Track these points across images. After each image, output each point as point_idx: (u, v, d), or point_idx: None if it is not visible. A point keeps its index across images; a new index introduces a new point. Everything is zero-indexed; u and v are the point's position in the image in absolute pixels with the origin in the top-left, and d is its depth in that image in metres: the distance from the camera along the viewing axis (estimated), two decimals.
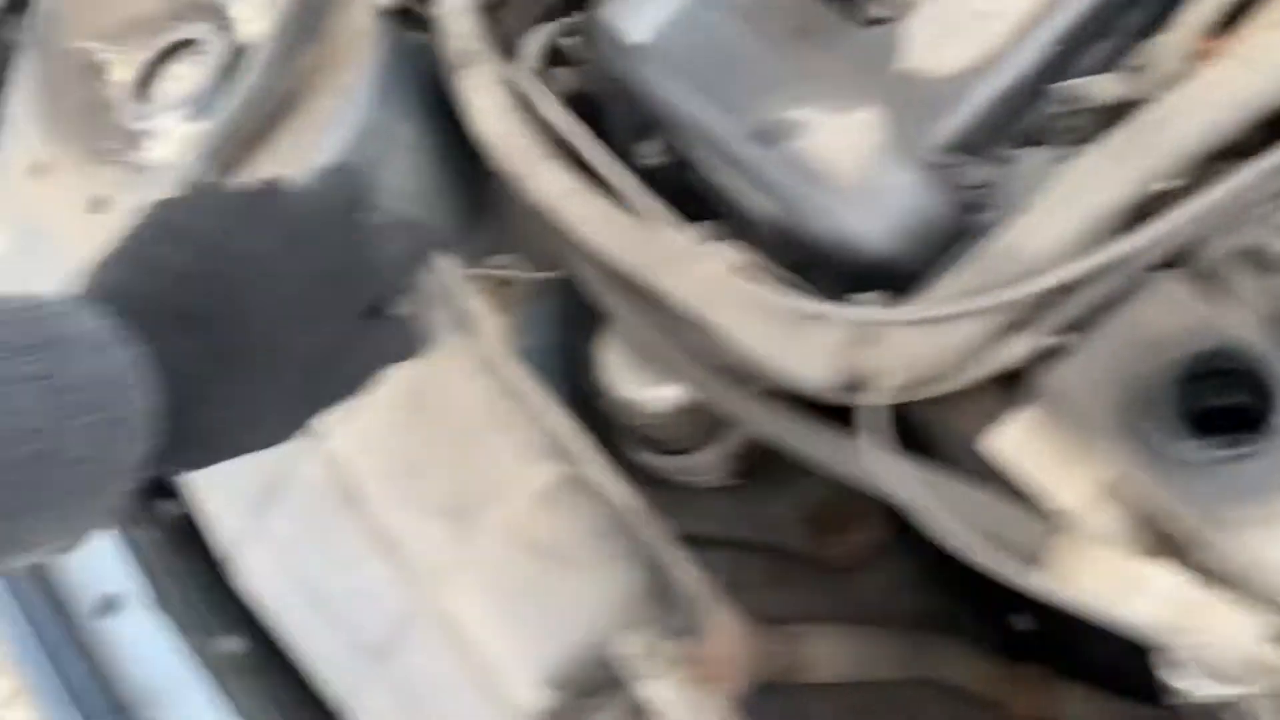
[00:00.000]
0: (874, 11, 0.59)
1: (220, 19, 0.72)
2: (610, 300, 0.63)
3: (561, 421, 0.59)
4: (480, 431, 0.58)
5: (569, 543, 0.54)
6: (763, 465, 0.73)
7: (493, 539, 0.55)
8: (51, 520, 0.39)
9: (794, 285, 0.55)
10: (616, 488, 0.58)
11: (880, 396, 0.50)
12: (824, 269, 0.57)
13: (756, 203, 0.59)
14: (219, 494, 0.63)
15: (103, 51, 0.72)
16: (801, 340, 0.51)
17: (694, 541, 0.71)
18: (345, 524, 0.59)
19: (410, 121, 0.71)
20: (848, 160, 0.54)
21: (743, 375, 0.59)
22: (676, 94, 0.60)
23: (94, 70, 0.72)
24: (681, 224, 0.58)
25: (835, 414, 0.56)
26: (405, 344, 0.53)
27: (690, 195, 0.68)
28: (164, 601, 0.63)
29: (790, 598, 0.75)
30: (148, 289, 0.44)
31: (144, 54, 0.71)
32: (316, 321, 0.49)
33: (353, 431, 0.60)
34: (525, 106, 0.67)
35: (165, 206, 0.49)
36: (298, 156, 0.65)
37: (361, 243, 0.52)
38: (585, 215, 0.61)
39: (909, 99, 0.55)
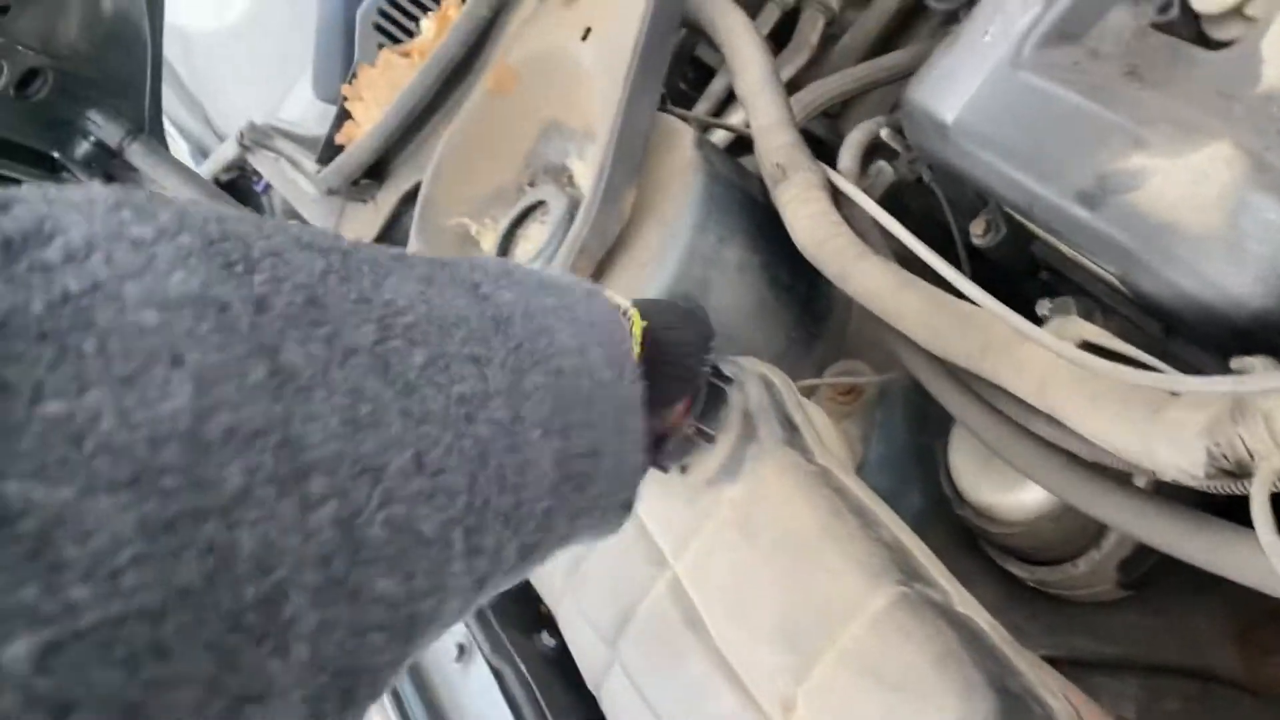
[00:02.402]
0: (1217, 34, 0.50)
1: (563, 178, 0.78)
2: (948, 396, 0.58)
3: (903, 534, 0.55)
4: (812, 550, 0.54)
5: (909, 671, 0.49)
6: (1173, 571, 0.61)
7: (832, 667, 0.51)
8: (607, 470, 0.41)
9: (1152, 357, 0.48)
10: (966, 606, 0.52)
11: (1269, 482, 0.41)
12: (1189, 334, 0.49)
13: (1097, 268, 0.52)
14: (581, 624, 0.65)
15: (474, 223, 0.81)
16: (1162, 423, 0.43)
17: (1096, 665, 0.62)
18: (690, 652, 0.58)
19: (734, 244, 0.72)
20: (1198, 204, 0.46)
21: (1107, 469, 0.51)
22: (990, 166, 0.55)
23: (470, 242, 0.82)
24: (1006, 307, 0.53)
25: (1226, 506, 0.46)
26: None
27: (1033, 270, 0.62)
28: None
29: None
30: None
31: (506, 220, 0.79)
32: None
33: (691, 555, 0.59)
34: (844, 207, 0.66)
35: None
36: (630, 289, 0.69)
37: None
38: (909, 308, 0.57)
39: (1272, 124, 0.46)
